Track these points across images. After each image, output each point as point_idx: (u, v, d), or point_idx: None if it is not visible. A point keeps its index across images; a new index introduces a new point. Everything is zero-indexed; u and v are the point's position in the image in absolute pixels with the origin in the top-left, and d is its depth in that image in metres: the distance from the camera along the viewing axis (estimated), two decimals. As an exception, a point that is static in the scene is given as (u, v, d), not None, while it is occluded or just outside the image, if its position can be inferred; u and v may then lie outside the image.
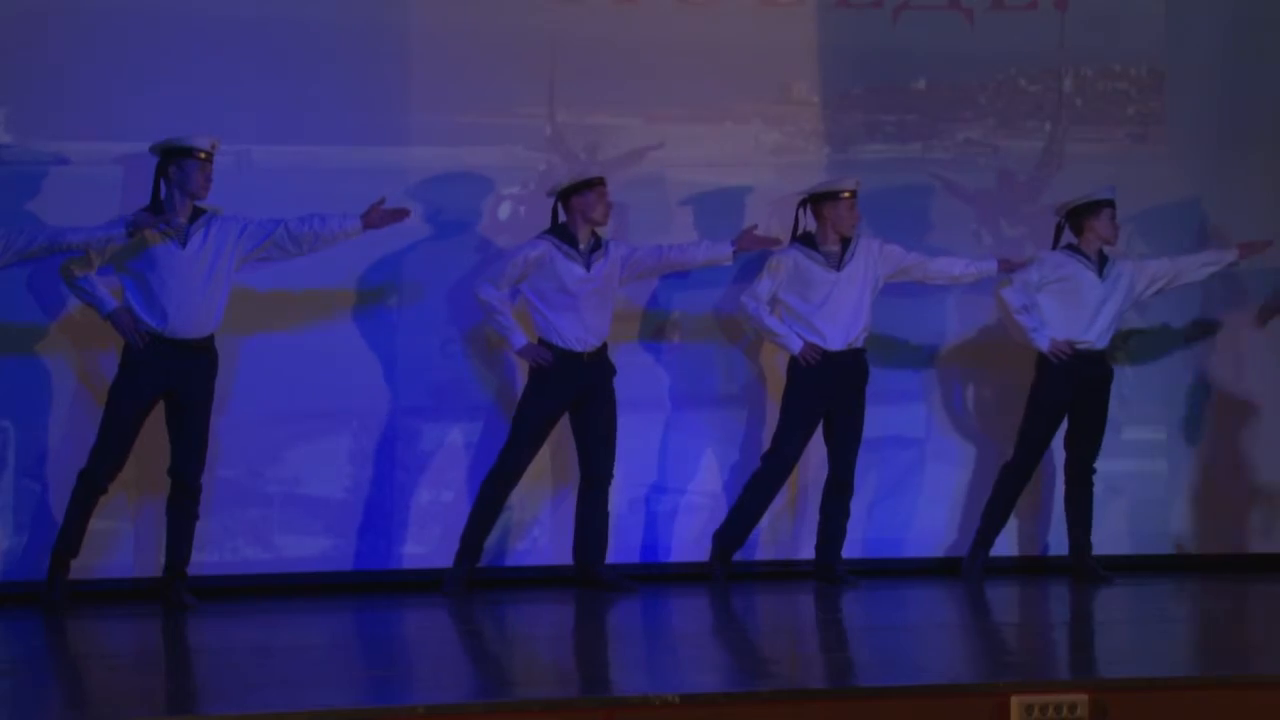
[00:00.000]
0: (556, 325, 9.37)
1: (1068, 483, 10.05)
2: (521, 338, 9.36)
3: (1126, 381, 10.10)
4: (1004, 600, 9.54)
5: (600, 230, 9.45)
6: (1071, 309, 9.86)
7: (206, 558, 9.23)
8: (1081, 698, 6.79)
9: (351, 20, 9.61)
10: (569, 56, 9.92)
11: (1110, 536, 10.20)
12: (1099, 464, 10.01)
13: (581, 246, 9.39)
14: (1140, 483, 10.45)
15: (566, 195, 9.41)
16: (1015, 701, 6.77)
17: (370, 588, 9.27)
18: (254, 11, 9.48)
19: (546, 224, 9.49)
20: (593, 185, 9.40)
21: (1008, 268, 9.87)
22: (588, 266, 9.39)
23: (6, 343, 9.22)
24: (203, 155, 8.82)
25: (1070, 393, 9.87)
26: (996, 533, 10.01)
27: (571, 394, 9.40)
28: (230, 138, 9.09)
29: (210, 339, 8.93)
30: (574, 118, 9.95)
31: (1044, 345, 9.82)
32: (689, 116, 10.02)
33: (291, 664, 7.73)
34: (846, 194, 9.66)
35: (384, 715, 6.69)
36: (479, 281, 9.37)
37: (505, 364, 9.73)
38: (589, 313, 9.39)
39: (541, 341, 9.39)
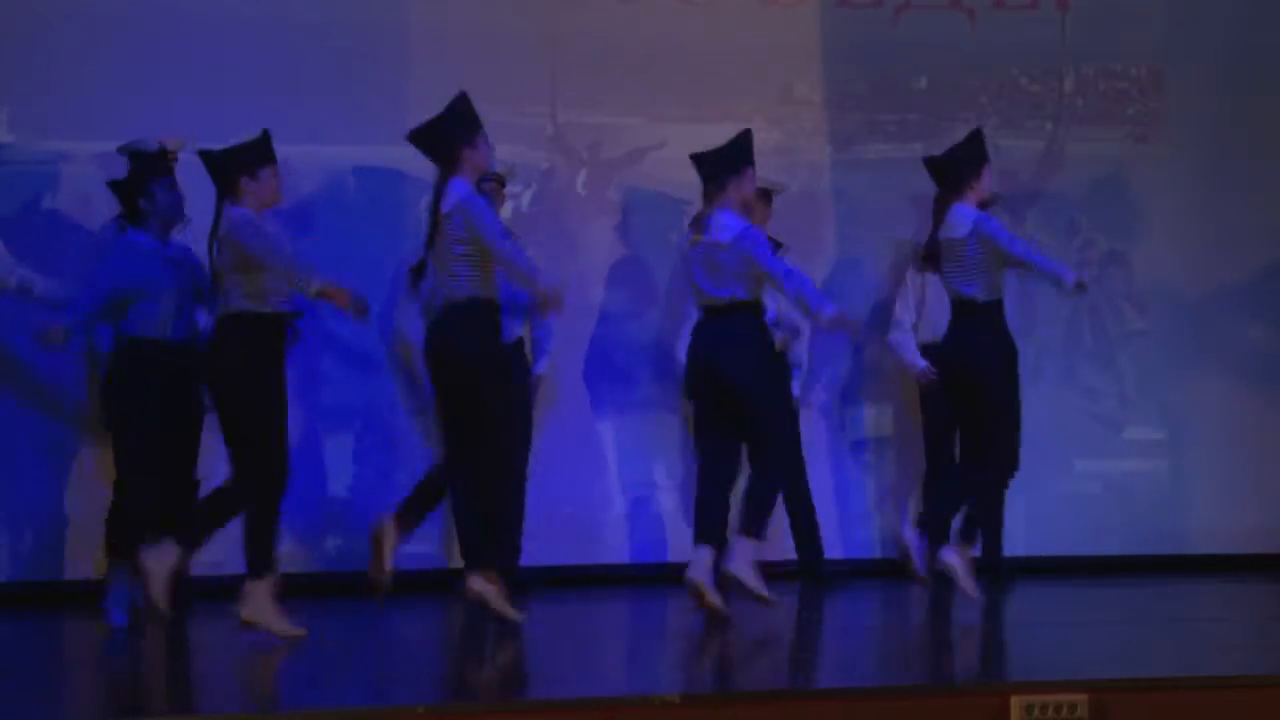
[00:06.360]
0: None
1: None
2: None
3: (1127, 381, 10.09)
4: (1006, 600, 9.53)
5: None
6: None
7: (207, 557, 9.22)
8: (1081, 698, 6.78)
9: (352, 20, 9.62)
10: (570, 56, 9.93)
11: (1111, 536, 10.20)
12: (1103, 464, 10.00)
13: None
14: (1140, 482, 10.45)
15: None
16: (1015, 701, 6.76)
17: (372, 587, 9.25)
18: (254, 11, 9.49)
19: (549, 223, 9.53)
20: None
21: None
22: None
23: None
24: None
25: None
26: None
27: None
28: (230, 138, 9.08)
29: (212, 339, 8.93)
30: (576, 117, 9.96)
31: None
32: (690, 116, 10.02)
33: (292, 664, 7.73)
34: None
35: (384, 715, 6.69)
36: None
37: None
38: None
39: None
